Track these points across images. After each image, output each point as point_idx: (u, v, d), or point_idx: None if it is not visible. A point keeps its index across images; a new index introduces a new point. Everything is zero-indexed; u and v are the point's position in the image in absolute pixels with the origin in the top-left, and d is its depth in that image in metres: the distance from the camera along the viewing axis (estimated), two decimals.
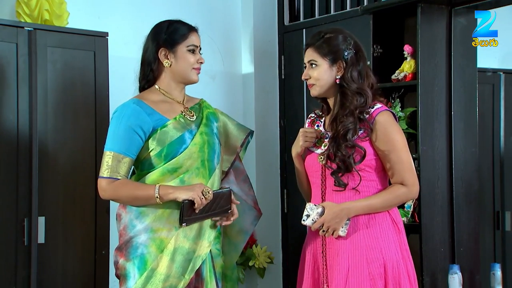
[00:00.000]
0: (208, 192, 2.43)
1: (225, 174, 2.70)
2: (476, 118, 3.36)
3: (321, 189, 2.52)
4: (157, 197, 2.41)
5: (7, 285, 3.05)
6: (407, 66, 3.31)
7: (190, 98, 2.66)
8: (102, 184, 2.45)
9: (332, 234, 2.44)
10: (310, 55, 2.52)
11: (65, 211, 3.23)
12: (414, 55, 3.27)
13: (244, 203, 2.72)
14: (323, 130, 2.58)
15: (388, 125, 2.46)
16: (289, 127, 4.36)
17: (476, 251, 3.34)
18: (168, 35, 2.55)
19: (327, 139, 2.52)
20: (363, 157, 2.42)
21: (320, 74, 2.50)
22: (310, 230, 2.58)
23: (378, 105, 2.48)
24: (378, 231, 2.44)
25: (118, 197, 2.47)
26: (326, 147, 2.50)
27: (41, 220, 3.13)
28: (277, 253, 4.34)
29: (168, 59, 2.54)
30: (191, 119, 2.56)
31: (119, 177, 2.43)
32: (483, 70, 3.65)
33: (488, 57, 3.63)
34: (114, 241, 3.29)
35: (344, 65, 2.48)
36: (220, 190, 2.53)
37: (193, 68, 2.57)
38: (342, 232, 2.42)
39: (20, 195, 3.09)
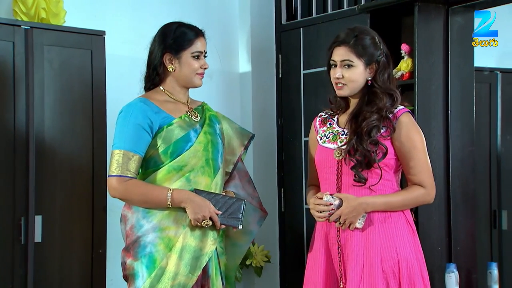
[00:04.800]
0: (206, 224, 2.47)
1: (229, 176, 2.71)
2: (473, 117, 3.37)
3: (337, 185, 2.51)
4: (169, 204, 2.45)
5: (4, 284, 3.04)
6: (404, 65, 3.31)
7: (193, 100, 2.70)
8: (112, 182, 2.46)
9: (349, 226, 2.44)
10: (345, 54, 2.49)
11: (62, 210, 3.22)
12: (411, 54, 3.27)
13: (249, 205, 2.73)
14: (337, 128, 2.58)
15: (410, 126, 2.49)
16: (286, 126, 4.36)
17: (473, 250, 3.35)
18: (174, 40, 2.56)
19: (344, 136, 2.53)
20: (385, 154, 2.44)
21: (355, 75, 2.49)
22: (320, 224, 2.57)
23: (401, 106, 2.52)
24: (393, 230, 2.45)
25: (129, 197, 2.49)
26: (343, 143, 2.50)
27: (38, 219, 3.12)
28: (274, 252, 4.34)
29: (172, 64, 2.57)
30: (196, 119, 2.60)
31: (130, 175, 2.45)
32: (480, 69, 3.66)
33: (485, 56, 3.64)
34: (111, 240, 3.30)
35: (376, 66, 2.50)
36: (234, 198, 2.55)
37: (197, 74, 2.59)
38: (359, 224, 2.43)
39: (17, 194, 3.08)
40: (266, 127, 4.40)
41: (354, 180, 2.46)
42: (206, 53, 2.64)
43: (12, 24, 3.12)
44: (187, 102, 2.64)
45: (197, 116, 2.61)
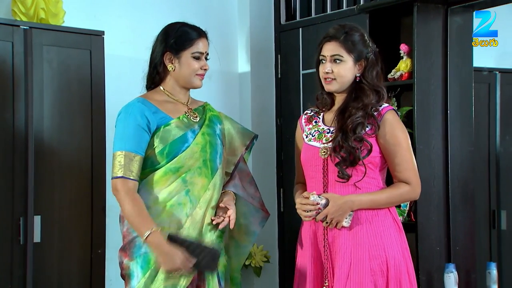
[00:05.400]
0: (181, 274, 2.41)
1: (230, 176, 2.71)
2: (472, 117, 3.37)
3: (323, 183, 2.51)
4: (144, 241, 2.40)
5: (3, 284, 3.04)
6: (403, 65, 3.31)
7: (194, 100, 2.69)
8: (116, 184, 2.44)
9: (336, 225, 2.45)
10: (335, 49, 2.51)
11: (61, 210, 3.22)
12: (410, 54, 3.27)
13: (250, 205, 2.73)
14: (322, 126, 2.58)
15: (395, 124, 2.50)
16: (285, 126, 4.36)
17: (472, 250, 3.35)
18: (175, 40, 2.55)
19: (329, 134, 2.53)
20: (369, 151, 2.45)
21: (345, 71, 2.51)
22: (307, 222, 2.58)
23: (385, 104, 2.53)
24: (381, 229, 2.46)
25: (123, 206, 2.47)
26: (328, 141, 2.51)
27: (37, 219, 3.12)
28: (273, 252, 4.34)
29: (172, 63, 2.56)
30: (195, 120, 2.58)
31: (132, 177, 2.43)
32: (479, 69, 3.66)
33: (484, 56, 3.64)
34: (110, 240, 3.30)
35: (365, 63, 2.51)
36: (208, 248, 2.47)
37: (197, 74, 2.58)
38: (345, 223, 2.44)
39: (16, 194, 3.08)
40: (265, 127, 4.40)
41: (338, 176, 2.46)
42: (207, 54, 2.64)
43: (11, 24, 3.12)
44: (187, 102, 2.63)
45: (196, 117, 2.60)
